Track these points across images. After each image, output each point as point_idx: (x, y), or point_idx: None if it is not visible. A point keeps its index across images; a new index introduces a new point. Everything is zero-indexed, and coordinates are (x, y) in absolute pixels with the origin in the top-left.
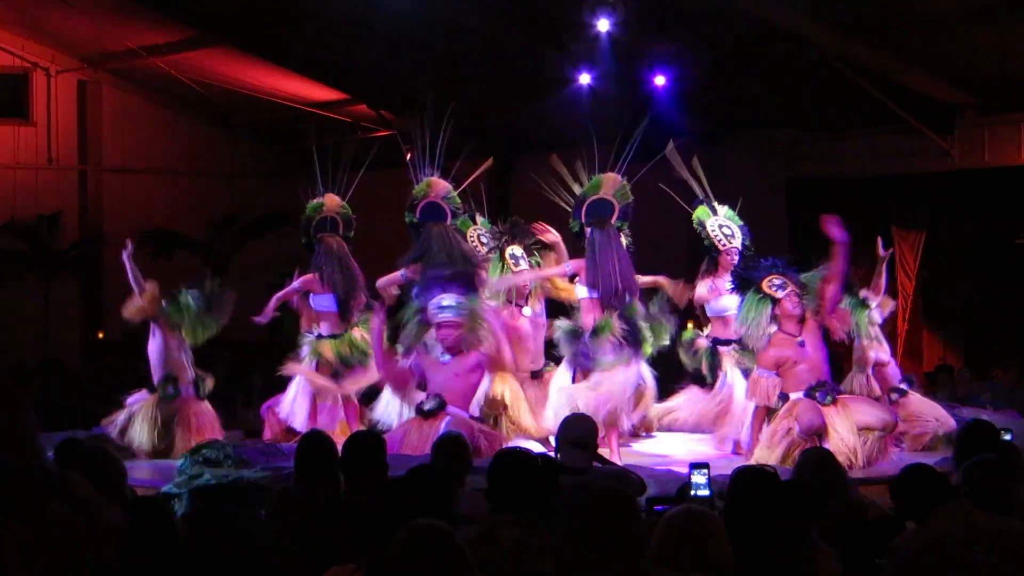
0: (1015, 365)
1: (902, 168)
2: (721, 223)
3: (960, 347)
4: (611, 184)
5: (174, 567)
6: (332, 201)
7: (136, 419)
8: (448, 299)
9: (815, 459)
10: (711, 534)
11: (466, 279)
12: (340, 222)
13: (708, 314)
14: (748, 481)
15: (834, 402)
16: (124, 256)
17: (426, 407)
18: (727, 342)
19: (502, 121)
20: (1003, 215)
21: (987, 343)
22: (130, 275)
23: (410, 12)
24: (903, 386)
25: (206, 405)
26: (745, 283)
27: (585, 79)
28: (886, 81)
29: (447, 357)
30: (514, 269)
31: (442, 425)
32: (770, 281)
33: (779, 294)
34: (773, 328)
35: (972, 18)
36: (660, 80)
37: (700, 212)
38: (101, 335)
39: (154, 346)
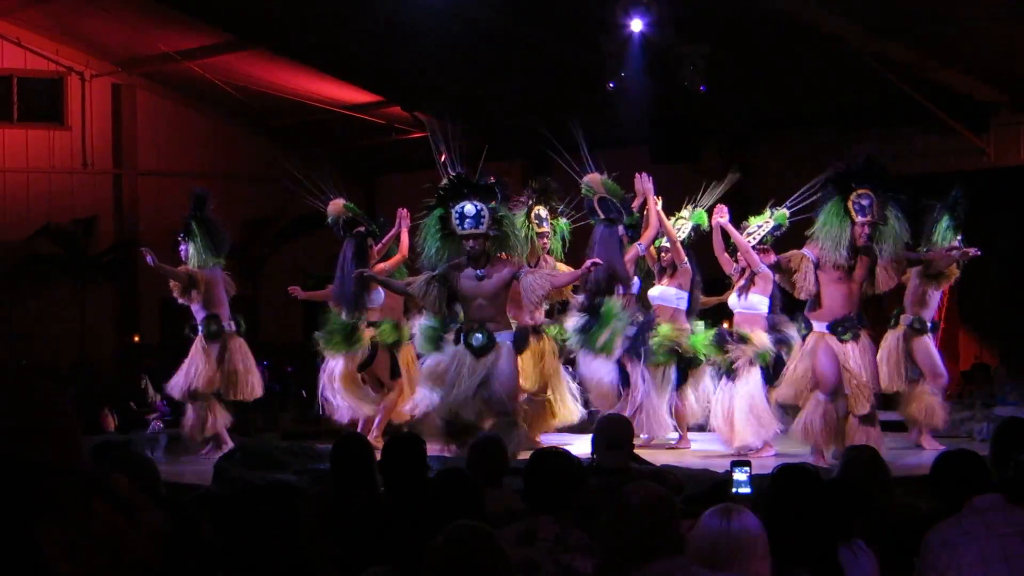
0: None
1: (937, 167)
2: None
3: (996, 345)
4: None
5: (210, 570)
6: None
7: (194, 364)
8: (469, 207)
9: (862, 458)
10: (749, 533)
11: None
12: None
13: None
14: (790, 479)
15: (855, 338)
16: (150, 263)
17: (475, 343)
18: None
19: (536, 122)
20: None
21: (1023, 341)
22: (166, 274)
23: (444, 13)
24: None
25: (243, 341)
26: (839, 185)
27: (619, 80)
28: (921, 79)
29: (480, 272)
30: (538, 229)
31: (501, 361)
32: (859, 196)
33: (857, 217)
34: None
35: (1007, 15)
36: (695, 82)
37: (781, 217)
38: (136, 339)
39: (198, 299)
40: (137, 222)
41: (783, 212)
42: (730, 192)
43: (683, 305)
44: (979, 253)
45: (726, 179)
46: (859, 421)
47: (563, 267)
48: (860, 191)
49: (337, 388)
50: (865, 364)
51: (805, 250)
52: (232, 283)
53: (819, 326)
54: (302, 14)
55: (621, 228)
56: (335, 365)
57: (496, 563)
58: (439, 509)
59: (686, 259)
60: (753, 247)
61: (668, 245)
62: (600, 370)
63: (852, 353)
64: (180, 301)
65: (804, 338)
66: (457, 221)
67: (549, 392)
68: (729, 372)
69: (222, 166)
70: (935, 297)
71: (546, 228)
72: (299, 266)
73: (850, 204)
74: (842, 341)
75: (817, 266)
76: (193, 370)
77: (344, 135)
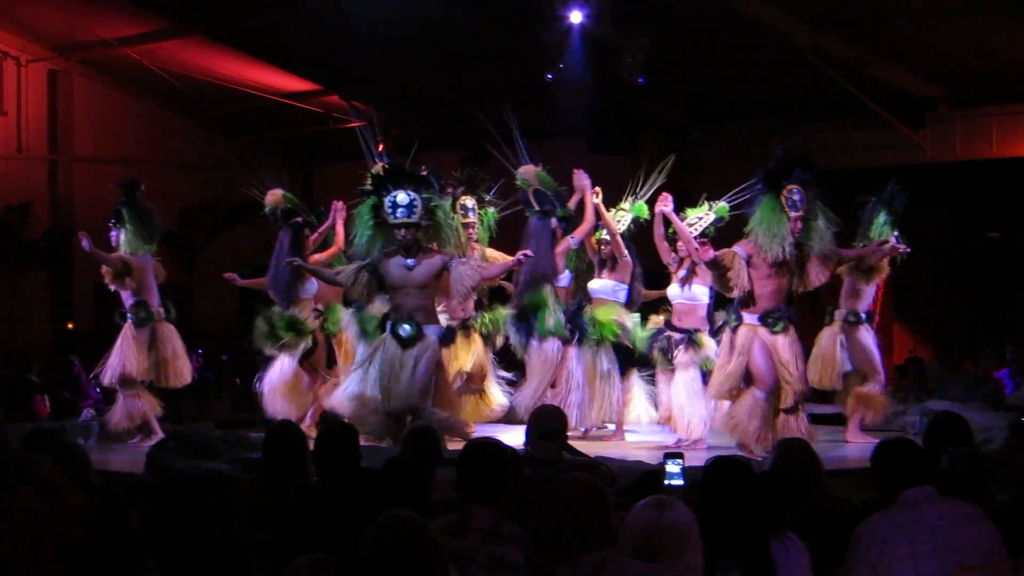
0: (985, 357)
1: (874, 161)
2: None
3: (930, 340)
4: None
5: (136, 554)
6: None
7: (123, 351)
8: (402, 196)
9: (794, 451)
10: (682, 525)
11: None
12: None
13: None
14: (722, 471)
15: (785, 330)
16: (86, 247)
17: (403, 334)
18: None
19: (474, 112)
20: (974, 208)
21: (958, 336)
22: (100, 260)
23: (383, 2)
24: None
25: (173, 328)
26: (770, 181)
27: (557, 72)
28: (858, 74)
29: (411, 260)
30: (463, 220)
31: (424, 357)
32: (790, 192)
33: (790, 212)
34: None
35: (944, 11)
36: (634, 73)
37: (722, 210)
38: (71, 326)
39: (131, 286)
40: (72, 208)
41: (723, 205)
42: (668, 184)
43: (621, 298)
44: (909, 250)
45: (660, 166)
46: (785, 414)
47: (492, 253)
48: (791, 186)
49: (277, 390)
50: (793, 356)
51: (736, 247)
52: (162, 270)
53: (750, 318)
54: (240, 1)
55: (554, 220)
56: (281, 365)
57: (429, 553)
58: (385, 499)
59: (627, 252)
60: (695, 238)
61: (608, 238)
62: (546, 351)
63: (782, 345)
64: (111, 288)
65: (734, 330)
66: (390, 210)
67: (481, 382)
68: (668, 368)
69: (159, 153)
70: (868, 291)
71: (472, 218)
72: (236, 254)
73: (783, 199)
74: (773, 333)
75: (748, 262)
76: (122, 357)
77: (282, 123)
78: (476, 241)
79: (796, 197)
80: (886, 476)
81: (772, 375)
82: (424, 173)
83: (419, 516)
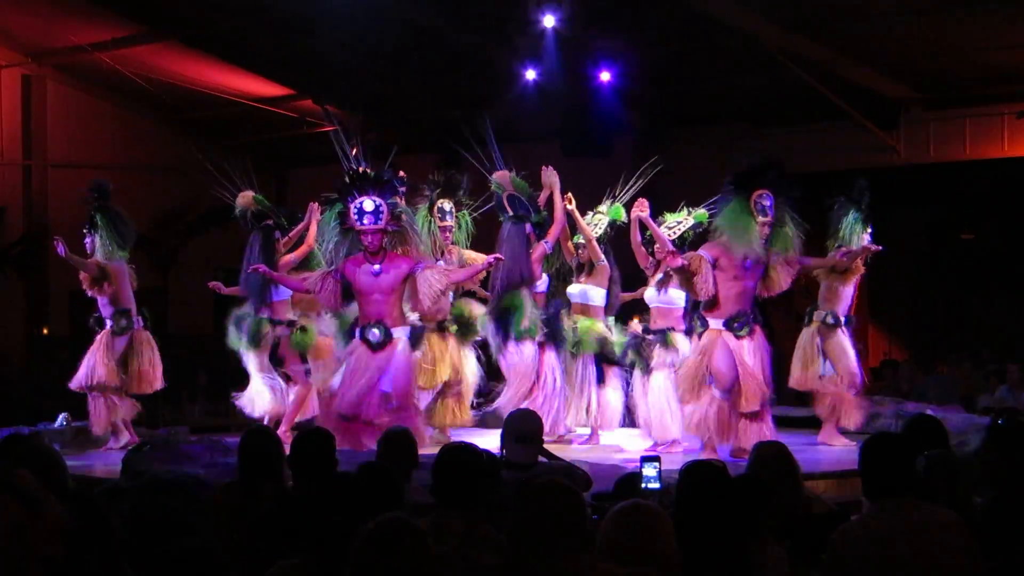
0: (957, 360)
1: (847, 163)
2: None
3: (905, 342)
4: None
5: (117, 563)
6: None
7: (97, 357)
8: (368, 203)
9: (770, 453)
10: (658, 528)
11: None
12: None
13: (650, 305)
14: (698, 476)
15: (750, 334)
16: (61, 253)
17: (373, 339)
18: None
19: (448, 116)
20: (948, 210)
21: (932, 338)
22: (76, 265)
23: (357, 7)
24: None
25: (149, 336)
26: (740, 184)
27: (531, 75)
28: (831, 76)
29: (377, 266)
30: (440, 223)
31: (397, 357)
32: (760, 196)
33: (758, 217)
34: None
35: (917, 13)
36: (605, 76)
37: (701, 216)
38: (46, 331)
39: (108, 291)
40: (47, 214)
41: (703, 212)
42: (641, 187)
43: (600, 303)
44: (881, 249)
45: (641, 169)
46: (749, 418)
47: (471, 255)
48: (761, 191)
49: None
50: (758, 360)
51: (702, 251)
52: (134, 276)
53: (715, 323)
54: (214, 6)
55: (528, 226)
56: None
57: (423, 559)
58: (359, 503)
59: (603, 257)
60: (671, 241)
61: (584, 242)
62: (524, 354)
63: (747, 349)
64: (89, 293)
65: (700, 336)
66: (356, 216)
67: (462, 385)
68: (645, 370)
69: (133, 158)
70: (846, 292)
71: (449, 222)
72: (211, 258)
73: (752, 203)
74: (738, 337)
75: (714, 266)
76: (95, 363)
77: (256, 128)
78: (453, 244)
79: (767, 203)
80: (874, 472)
81: (732, 375)
82: (390, 178)
83: (415, 521)
